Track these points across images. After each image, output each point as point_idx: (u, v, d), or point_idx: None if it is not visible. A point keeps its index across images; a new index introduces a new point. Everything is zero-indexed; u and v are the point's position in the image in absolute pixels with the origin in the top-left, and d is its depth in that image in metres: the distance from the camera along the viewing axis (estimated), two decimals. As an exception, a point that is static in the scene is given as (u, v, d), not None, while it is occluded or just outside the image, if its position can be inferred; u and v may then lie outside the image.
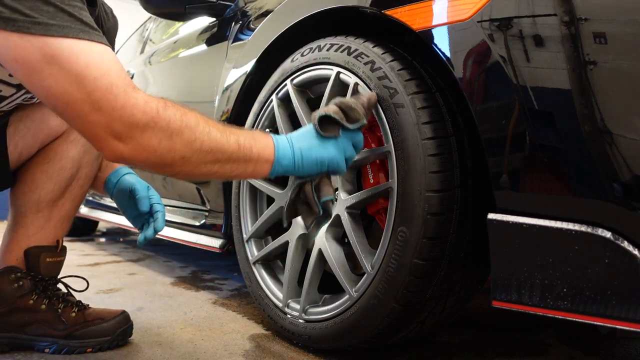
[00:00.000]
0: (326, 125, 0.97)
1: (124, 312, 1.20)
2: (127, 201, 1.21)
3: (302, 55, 1.24)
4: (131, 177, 1.25)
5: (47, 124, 1.18)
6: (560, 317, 0.78)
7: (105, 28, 1.17)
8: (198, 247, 1.72)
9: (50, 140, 1.20)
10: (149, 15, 2.50)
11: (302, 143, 0.96)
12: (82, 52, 0.77)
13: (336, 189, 1.16)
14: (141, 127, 0.79)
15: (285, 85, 1.27)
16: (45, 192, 1.18)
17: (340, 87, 1.14)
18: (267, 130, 1.36)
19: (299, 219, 1.25)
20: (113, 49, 1.24)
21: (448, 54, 0.91)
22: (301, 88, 1.26)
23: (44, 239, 1.17)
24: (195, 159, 0.84)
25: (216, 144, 0.86)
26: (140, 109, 0.78)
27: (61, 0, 0.77)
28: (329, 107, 0.98)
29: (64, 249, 1.22)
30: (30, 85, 0.79)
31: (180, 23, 2.22)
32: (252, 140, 0.91)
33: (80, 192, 1.24)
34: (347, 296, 1.08)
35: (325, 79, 1.16)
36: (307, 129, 0.99)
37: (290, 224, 1.25)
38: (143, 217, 1.20)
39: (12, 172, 1.19)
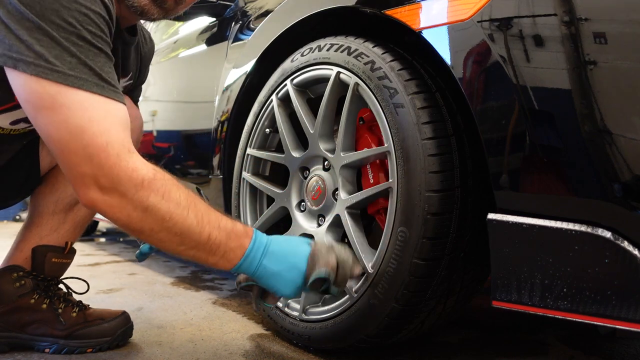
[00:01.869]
0: (316, 282, 0.93)
1: (124, 312, 1.20)
2: None
3: (302, 55, 1.24)
4: None
5: None
6: (560, 317, 0.78)
7: (142, 52, 1.21)
8: (198, 247, 1.72)
9: None
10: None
11: (270, 267, 0.92)
12: (90, 107, 0.80)
13: (335, 189, 1.16)
14: (121, 191, 0.81)
15: (285, 85, 1.27)
16: (65, 195, 1.20)
17: (340, 87, 1.14)
18: (267, 130, 1.36)
19: (299, 217, 1.25)
20: (147, 71, 1.30)
21: (448, 54, 0.91)
22: (301, 88, 1.26)
23: (55, 241, 1.18)
24: (162, 236, 0.86)
25: (187, 230, 0.86)
26: (127, 175, 0.81)
27: (86, 55, 0.80)
28: (329, 261, 0.92)
29: (72, 251, 1.22)
30: (34, 121, 0.83)
31: (180, 23, 2.21)
32: (226, 239, 0.90)
33: None
34: (347, 296, 1.08)
35: (325, 79, 1.16)
36: (298, 264, 0.93)
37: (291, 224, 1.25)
38: None
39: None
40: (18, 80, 0.79)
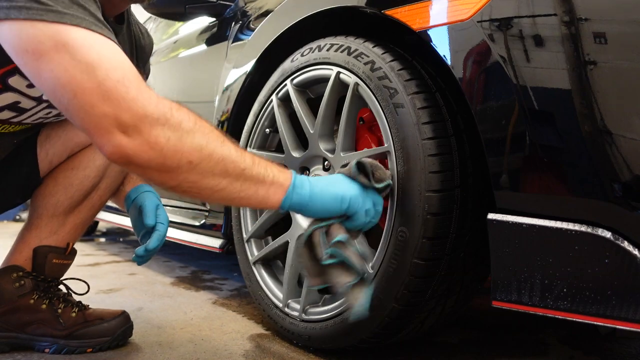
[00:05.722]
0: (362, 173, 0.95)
1: (124, 312, 1.20)
2: (138, 217, 1.22)
3: (302, 55, 1.24)
4: (147, 195, 1.24)
5: (77, 133, 1.18)
6: (560, 317, 0.78)
7: (141, 44, 1.19)
8: (198, 247, 1.72)
9: (79, 149, 1.21)
10: (148, 15, 2.49)
11: (321, 182, 0.92)
12: (95, 44, 0.74)
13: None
14: (150, 121, 0.73)
15: (285, 85, 1.27)
16: (65, 197, 1.19)
17: (340, 87, 1.14)
18: (267, 130, 1.36)
19: (299, 217, 1.25)
20: (148, 65, 1.27)
21: (448, 54, 0.91)
22: (301, 88, 1.26)
23: (54, 243, 1.18)
24: (203, 167, 0.78)
25: (229, 154, 0.80)
26: (153, 103, 0.74)
27: None
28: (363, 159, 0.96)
29: (73, 252, 1.22)
30: (37, 75, 0.74)
31: (180, 23, 2.22)
32: (268, 163, 0.88)
33: (99, 203, 1.24)
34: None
35: (325, 79, 1.16)
36: (339, 175, 0.96)
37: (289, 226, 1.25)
38: (149, 234, 1.19)
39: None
40: (11, 32, 0.72)
